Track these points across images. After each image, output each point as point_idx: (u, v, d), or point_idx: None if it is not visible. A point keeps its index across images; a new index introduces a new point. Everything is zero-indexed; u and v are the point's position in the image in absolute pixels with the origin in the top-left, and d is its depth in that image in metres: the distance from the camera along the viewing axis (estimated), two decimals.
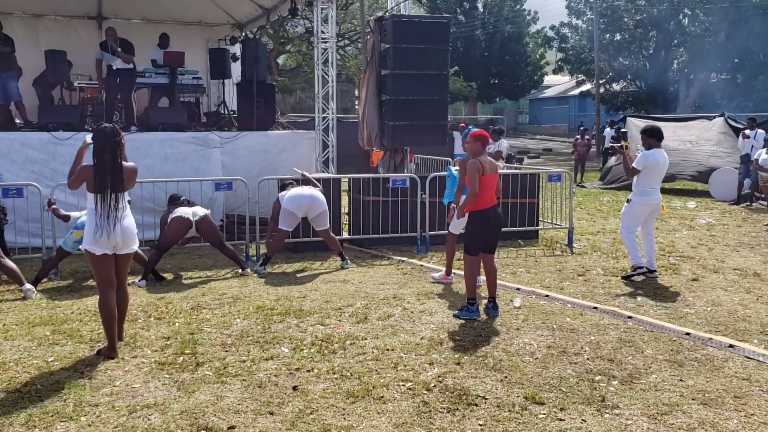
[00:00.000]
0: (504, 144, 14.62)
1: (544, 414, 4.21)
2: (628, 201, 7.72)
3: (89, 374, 4.77)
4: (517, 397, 4.46)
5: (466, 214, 6.34)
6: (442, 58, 10.50)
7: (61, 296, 7.00)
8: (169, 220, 7.82)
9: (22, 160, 9.41)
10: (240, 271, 7.96)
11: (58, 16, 13.50)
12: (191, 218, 7.72)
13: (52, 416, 4.08)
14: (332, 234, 8.45)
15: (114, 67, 11.00)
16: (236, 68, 13.37)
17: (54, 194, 7.89)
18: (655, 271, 7.69)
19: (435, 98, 10.46)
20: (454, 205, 6.96)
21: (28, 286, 6.95)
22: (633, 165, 7.52)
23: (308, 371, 4.85)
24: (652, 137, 7.59)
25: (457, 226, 7.37)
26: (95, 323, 5.89)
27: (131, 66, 11.07)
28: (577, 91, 43.18)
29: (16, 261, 7.39)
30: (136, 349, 5.31)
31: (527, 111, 55.60)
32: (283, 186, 8.50)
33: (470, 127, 7.92)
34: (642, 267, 7.65)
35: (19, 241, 8.61)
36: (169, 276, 7.88)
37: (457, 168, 7.32)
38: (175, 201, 8.14)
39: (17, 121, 11.03)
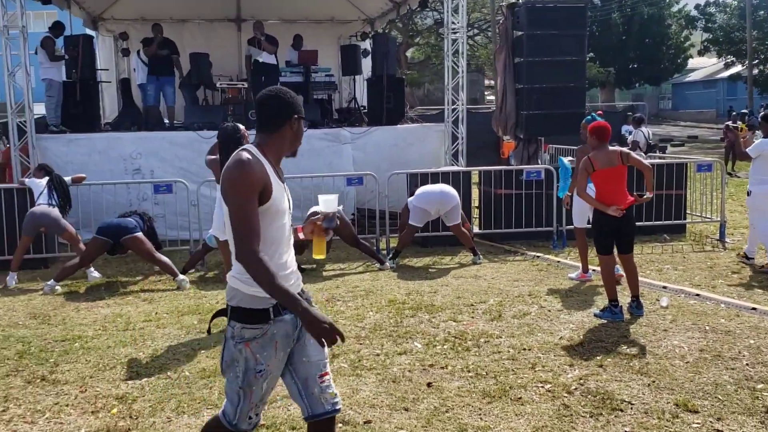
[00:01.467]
0: (642, 133, 13.82)
1: (698, 423, 3.88)
2: (748, 194, 7.31)
3: None
4: (667, 403, 4.14)
5: (576, 205, 6.09)
6: (579, 44, 10.06)
7: (207, 287, 7.38)
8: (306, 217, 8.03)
9: (171, 157, 10.03)
10: (378, 266, 8.01)
11: (201, 20, 14.29)
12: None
13: (199, 403, 4.27)
14: (463, 229, 8.32)
15: (260, 61, 11.39)
16: (366, 64, 13.54)
17: (200, 190, 8.34)
18: None
19: (571, 85, 10.04)
20: (569, 194, 6.76)
21: (181, 276, 7.39)
22: (747, 150, 7.11)
23: (442, 368, 4.78)
24: None
25: (581, 219, 7.09)
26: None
27: (275, 61, 11.43)
28: (725, 74, 40.14)
29: (166, 253, 7.88)
30: None
31: (669, 96, 52.40)
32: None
33: (591, 115, 7.49)
34: None
35: (169, 234, 9.17)
36: (308, 267, 8.10)
37: (571, 159, 7.03)
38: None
39: (165, 122, 11.79)
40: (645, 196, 6.09)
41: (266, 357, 2.70)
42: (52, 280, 7.30)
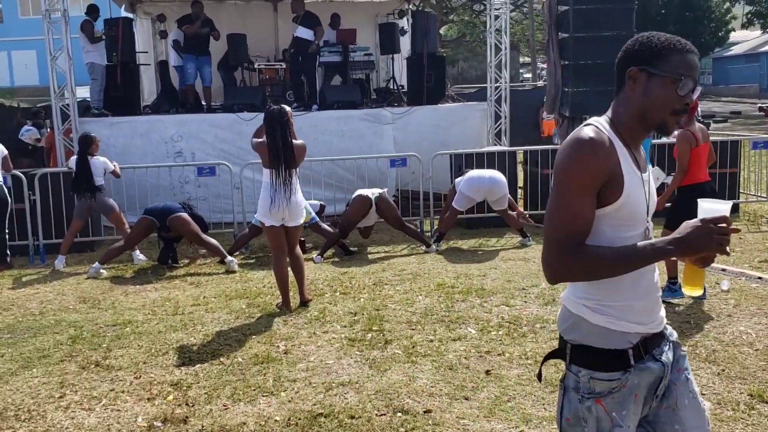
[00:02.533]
0: None
1: None
2: None
3: (285, 348, 4.91)
4: (740, 393, 3.96)
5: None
6: (627, 18, 9.69)
7: (252, 270, 7.34)
8: (351, 200, 7.92)
9: (212, 139, 9.99)
10: (424, 248, 7.88)
11: (238, 0, 14.16)
12: (371, 196, 7.75)
13: (254, 390, 4.22)
14: (511, 211, 8.12)
15: (296, 35, 11.16)
16: (404, 42, 13.31)
17: (243, 172, 8.28)
18: None
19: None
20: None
21: (230, 258, 7.36)
22: None
23: (499, 355, 4.65)
24: None
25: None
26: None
27: (313, 38, 11.20)
28: None
29: (210, 235, 7.85)
30: (326, 324, 5.39)
31: (710, 71, 50.96)
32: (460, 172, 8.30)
33: None
34: None
35: (213, 217, 9.15)
36: (355, 249, 8.01)
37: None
38: None
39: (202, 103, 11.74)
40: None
41: (625, 416, 1.94)
42: (97, 263, 7.33)
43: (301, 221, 5.82)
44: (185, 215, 7.45)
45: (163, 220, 7.39)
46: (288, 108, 5.67)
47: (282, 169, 5.53)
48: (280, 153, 5.51)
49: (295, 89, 11.43)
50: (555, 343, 4.76)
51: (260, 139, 5.63)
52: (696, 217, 1.91)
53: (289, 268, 5.80)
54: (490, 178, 7.92)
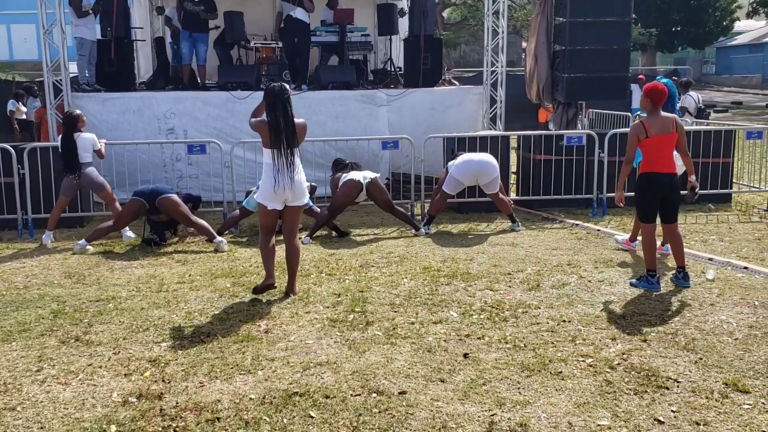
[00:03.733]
0: (691, 98, 13.30)
1: (749, 404, 3.70)
2: None
3: (266, 327, 4.91)
4: (716, 382, 3.96)
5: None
6: (625, 3, 9.62)
7: (240, 249, 7.33)
8: (340, 183, 7.87)
9: (204, 117, 9.95)
10: (413, 232, 7.86)
11: None
12: (362, 181, 7.71)
13: (231, 368, 4.22)
14: (501, 196, 8.11)
15: (294, 16, 10.94)
16: (403, 24, 13.20)
17: (234, 151, 8.24)
18: None
19: (615, 47, 9.64)
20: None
21: (218, 238, 7.35)
22: None
23: (479, 338, 4.65)
24: None
25: None
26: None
27: (308, 20, 11.01)
28: None
29: (200, 214, 7.84)
30: (309, 305, 5.39)
31: (713, 60, 50.66)
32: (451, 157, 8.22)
33: (659, 77, 7.08)
34: None
35: (203, 196, 9.12)
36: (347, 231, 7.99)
37: None
38: (340, 165, 8.17)
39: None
40: (694, 181, 5.81)
41: None
42: (84, 239, 7.32)
43: (305, 200, 5.65)
44: (174, 196, 7.42)
45: (152, 200, 7.36)
46: (288, 86, 5.56)
47: (284, 149, 5.33)
48: (281, 132, 5.30)
49: (291, 69, 11.34)
50: (536, 328, 4.79)
51: (259, 118, 5.48)
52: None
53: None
54: (480, 161, 7.90)
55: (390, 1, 14.05)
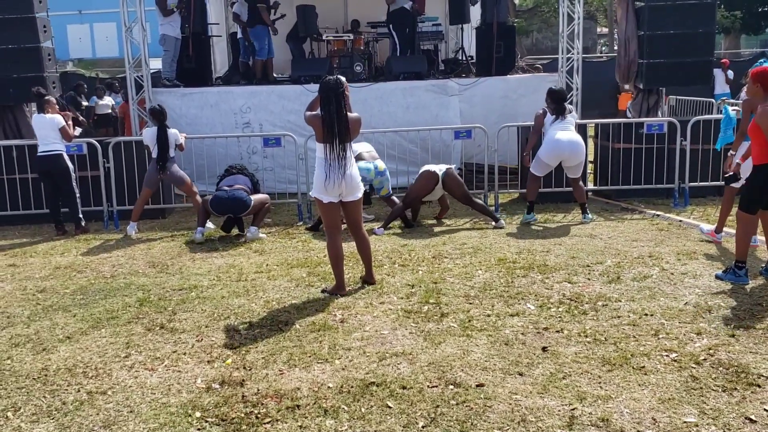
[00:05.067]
0: None
1: None
2: None
3: (341, 317, 4.96)
4: None
5: (742, 164, 5.48)
6: None
7: (314, 240, 7.43)
8: (418, 175, 7.85)
9: (279, 111, 10.12)
10: (494, 223, 7.74)
11: None
12: (438, 173, 7.67)
13: (309, 357, 4.29)
14: (581, 183, 7.89)
15: (406, 8, 11.21)
16: (474, 12, 13.04)
17: (308, 143, 8.35)
18: None
19: (699, 31, 9.23)
20: (732, 153, 6.05)
21: (201, 229, 7.47)
22: None
23: (557, 332, 4.56)
24: None
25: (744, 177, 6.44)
26: (346, 267, 6.08)
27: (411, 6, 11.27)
28: None
29: (274, 206, 7.96)
30: (383, 296, 5.42)
31: None
32: None
33: (761, 61, 6.60)
34: None
35: (278, 187, 9.30)
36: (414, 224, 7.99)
37: (736, 108, 6.33)
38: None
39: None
40: None
41: None
42: (199, 227, 7.55)
43: (360, 195, 5.55)
44: (250, 202, 7.52)
45: (237, 214, 7.56)
46: (343, 79, 5.49)
47: (336, 143, 5.25)
48: (333, 126, 5.22)
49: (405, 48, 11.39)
50: (616, 322, 4.66)
51: (313, 112, 5.47)
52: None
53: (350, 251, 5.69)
54: (570, 141, 7.50)
55: None
